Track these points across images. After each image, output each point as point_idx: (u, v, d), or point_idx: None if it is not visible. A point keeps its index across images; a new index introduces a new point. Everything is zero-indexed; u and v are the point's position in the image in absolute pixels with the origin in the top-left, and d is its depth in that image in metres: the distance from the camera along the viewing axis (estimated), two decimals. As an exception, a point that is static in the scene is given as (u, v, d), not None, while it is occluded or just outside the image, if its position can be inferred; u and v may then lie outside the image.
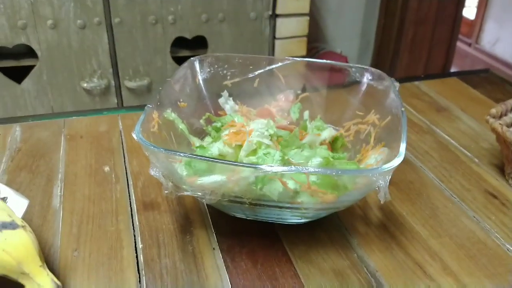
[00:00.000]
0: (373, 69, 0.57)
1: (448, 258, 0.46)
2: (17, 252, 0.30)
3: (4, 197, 0.38)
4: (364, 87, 0.57)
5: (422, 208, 0.53)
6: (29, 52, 1.43)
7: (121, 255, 0.46)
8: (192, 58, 0.60)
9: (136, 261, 0.45)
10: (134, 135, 0.42)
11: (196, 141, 0.53)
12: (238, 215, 0.49)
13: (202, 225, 0.50)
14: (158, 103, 0.51)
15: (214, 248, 0.47)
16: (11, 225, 0.31)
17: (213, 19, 1.55)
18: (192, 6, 1.50)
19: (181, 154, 0.42)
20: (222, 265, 0.45)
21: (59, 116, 0.70)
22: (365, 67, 0.57)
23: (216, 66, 0.61)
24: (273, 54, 1.68)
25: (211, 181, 0.43)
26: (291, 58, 0.60)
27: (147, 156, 0.43)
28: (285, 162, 0.45)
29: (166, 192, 0.43)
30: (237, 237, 0.48)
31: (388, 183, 0.40)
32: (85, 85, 1.49)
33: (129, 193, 0.54)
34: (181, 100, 0.56)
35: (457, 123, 0.70)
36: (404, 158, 0.41)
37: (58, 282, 0.31)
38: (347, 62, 2.03)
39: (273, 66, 0.60)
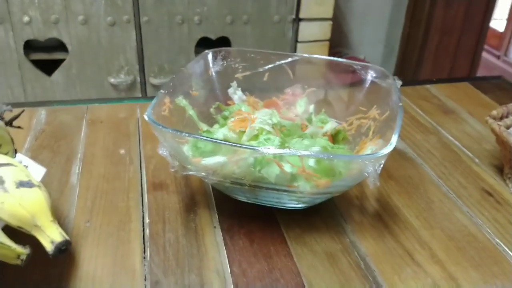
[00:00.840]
0: (377, 67, 0.59)
1: (437, 248, 0.48)
2: (31, 207, 0.33)
3: (25, 165, 0.42)
4: (368, 84, 0.59)
5: (418, 201, 0.55)
6: (60, 46, 1.50)
7: (129, 228, 0.49)
8: (206, 51, 0.64)
9: (142, 234, 0.49)
10: (145, 116, 0.46)
11: (204, 127, 0.57)
12: (240, 198, 0.52)
13: (206, 205, 0.53)
14: (171, 90, 0.54)
15: (215, 227, 0.50)
16: (28, 184, 0.35)
17: (237, 21, 1.59)
18: (218, 8, 1.55)
19: (187, 134, 0.46)
20: (221, 242, 0.48)
21: (82, 102, 0.74)
22: (369, 64, 0.60)
23: (229, 59, 0.64)
24: (295, 57, 1.71)
25: (213, 162, 0.46)
26: (300, 54, 0.63)
27: (157, 137, 0.47)
28: (284, 148, 0.48)
29: (172, 170, 0.46)
30: (237, 218, 0.51)
31: (379, 170, 0.43)
32: (112, 80, 1.55)
33: (141, 174, 0.58)
34: (193, 89, 0.59)
35: (462, 125, 0.71)
36: (403, 153, 0.43)
37: (67, 237, 0.34)
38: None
39: (283, 61, 0.63)
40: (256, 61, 0.64)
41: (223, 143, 0.46)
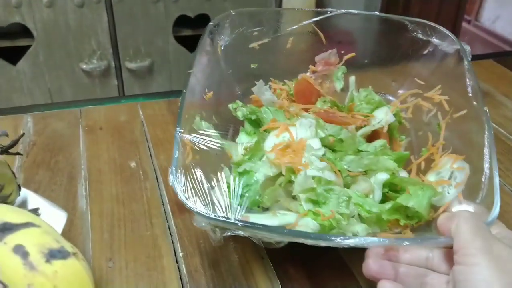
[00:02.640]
0: (440, 28, 0.49)
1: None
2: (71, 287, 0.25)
3: (36, 208, 0.33)
4: (426, 49, 0.49)
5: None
6: (24, 32, 1.36)
7: (161, 265, 0.41)
8: (210, 23, 0.50)
9: (178, 271, 0.41)
10: (176, 191, 0.36)
11: (233, 150, 0.45)
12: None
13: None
14: (186, 116, 0.42)
15: (263, 258, 0.42)
16: (60, 253, 0.26)
17: (217, -4, 1.48)
18: (196, -17, 1.43)
19: (238, 223, 0.35)
20: (274, 277, 0.41)
21: (74, 105, 0.64)
22: (428, 23, 0.49)
23: (239, 25, 0.51)
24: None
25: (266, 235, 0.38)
26: (333, 9, 0.52)
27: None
28: (350, 201, 0.40)
29: (214, 243, 0.37)
30: (288, 247, 0.44)
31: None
32: (84, 66, 1.43)
33: (160, 192, 0.50)
34: (206, 90, 0.47)
35: (501, 109, 0.66)
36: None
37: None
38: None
39: (311, 20, 0.51)
40: (274, 23, 0.52)
41: (288, 235, 0.36)
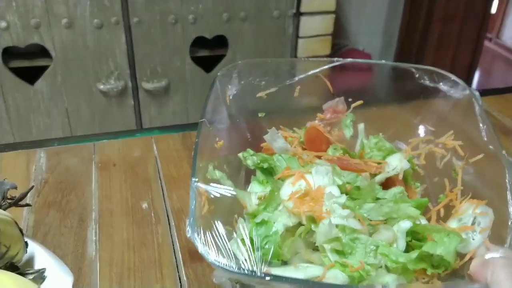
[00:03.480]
0: (444, 72, 0.48)
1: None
2: None
3: (41, 269, 0.32)
4: (434, 95, 0.48)
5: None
6: (42, 52, 1.37)
7: (171, 321, 0.39)
8: (219, 74, 0.50)
9: (189, 329, 0.39)
10: (200, 251, 0.34)
11: (246, 200, 0.43)
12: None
13: (260, 280, 0.43)
14: (200, 165, 0.41)
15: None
16: None
17: (235, 18, 1.48)
18: (213, 5, 1.44)
19: (262, 276, 0.33)
20: (289, 336, 0.38)
21: (88, 139, 0.63)
22: (437, 70, 0.48)
23: (247, 76, 0.51)
24: (295, 54, 1.61)
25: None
26: (340, 59, 0.51)
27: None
28: (377, 250, 0.38)
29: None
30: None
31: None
32: (101, 86, 1.43)
33: (171, 237, 0.48)
34: (217, 139, 0.46)
35: (530, 149, 0.63)
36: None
37: None
38: (370, 59, 1.95)
39: (317, 70, 0.51)
40: (281, 73, 0.52)
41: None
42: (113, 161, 0.59)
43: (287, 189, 0.43)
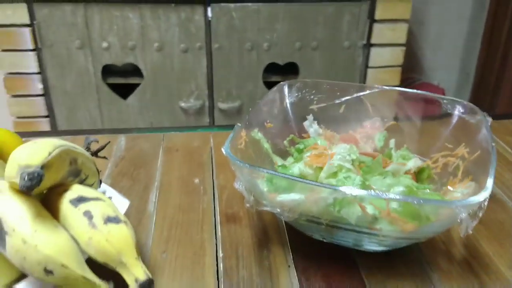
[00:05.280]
0: (465, 102, 0.56)
1: (536, 305, 0.43)
2: (118, 244, 0.34)
3: (109, 197, 0.43)
4: (455, 120, 0.56)
5: (511, 250, 0.50)
6: (135, 71, 1.57)
7: (203, 262, 0.49)
8: (281, 83, 0.63)
9: (216, 268, 0.48)
10: (223, 150, 0.46)
11: (278, 161, 0.56)
12: (315, 237, 0.51)
13: (279, 242, 0.52)
14: (247, 123, 0.54)
15: (289, 266, 0.48)
16: (115, 220, 0.35)
17: (306, 47, 1.59)
18: (287, 34, 1.56)
19: (264, 170, 0.45)
20: (296, 283, 0.46)
21: (159, 130, 0.76)
22: (457, 99, 0.56)
23: (304, 91, 0.63)
24: (364, 83, 1.68)
25: (290, 199, 0.45)
26: (380, 86, 0.61)
27: (233, 171, 0.47)
28: (365, 187, 0.46)
29: (247, 205, 0.45)
30: (313, 259, 0.49)
31: (474, 219, 0.39)
32: (182, 104, 1.59)
33: (214, 205, 0.58)
34: (268, 121, 0.58)
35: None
36: (492, 195, 0.40)
37: (150, 275, 0.34)
38: (443, 94, 1.96)
39: (361, 93, 0.61)
40: (332, 93, 0.63)
41: (302, 181, 0.45)
42: (176, 148, 0.71)
43: (309, 153, 0.52)
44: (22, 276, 0.34)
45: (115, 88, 1.58)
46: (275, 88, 0.62)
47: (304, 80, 0.64)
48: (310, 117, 0.60)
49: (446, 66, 2.13)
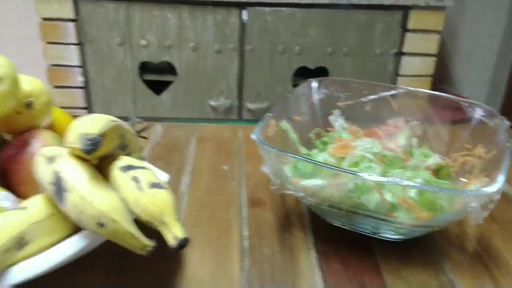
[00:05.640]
0: (484, 106, 0.58)
1: (543, 298, 0.46)
2: (161, 205, 0.38)
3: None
4: (475, 122, 0.58)
5: (524, 247, 0.52)
6: (170, 69, 1.63)
7: (229, 238, 0.53)
8: (310, 80, 0.66)
9: (240, 245, 0.52)
10: (253, 136, 0.50)
11: (303, 150, 0.59)
12: (335, 223, 0.54)
13: (301, 226, 0.55)
14: (277, 114, 0.58)
15: (309, 248, 0.52)
16: (159, 186, 0.40)
17: (338, 52, 1.62)
18: (319, 39, 1.59)
19: (290, 155, 0.48)
20: (315, 264, 0.49)
21: (193, 121, 0.80)
22: (477, 103, 0.59)
23: (332, 88, 0.66)
24: (393, 92, 1.69)
25: (313, 184, 0.48)
26: (405, 87, 0.64)
27: (260, 160, 0.50)
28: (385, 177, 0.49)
29: (273, 187, 0.49)
30: (332, 243, 0.52)
31: (485, 210, 0.42)
32: (212, 103, 1.65)
33: (241, 190, 0.62)
34: (296, 114, 0.62)
35: None
36: (506, 195, 0.42)
37: (187, 234, 0.38)
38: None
39: (388, 93, 0.64)
40: (359, 91, 0.66)
41: (325, 166, 0.48)
42: (207, 137, 0.75)
43: (334, 145, 0.56)
44: (75, 232, 0.39)
45: (149, 84, 1.65)
46: (304, 84, 0.66)
47: (333, 78, 0.68)
48: (336, 111, 0.64)
49: (476, 80, 2.12)
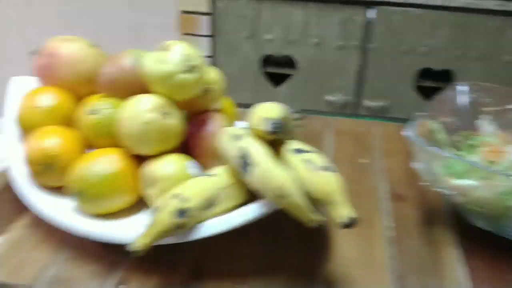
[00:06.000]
0: None
1: None
2: (334, 186, 0.44)
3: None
4: None
5: None
6: (290, 63, 1.68)
7: (374, 227, 0.56)
8: (456, 83, 0.67)
9: (384, 235, 0.55)
10: (405, 133, 0.52)
11: (453, 152, 0.60)
12: (478, 224, 0.55)
13: (444, 223, 0.57)
14: (426, 114, 0.59)
15: (453, 244, 0.53)
16: (330, 169, 0.45)
17: (466, 56, 1.56)
18: (447, 41, 1.54)
19: (445, 154, 0.50)
20: (459, 260, 0.51)
21: (329, 115, 0.85)
22: None
23: (478, 93, 0.66)
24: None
25: (465, 184, 0.50)
26: None
27: (402, 153, 0.53)
28: None
29: (423, 184, 0.52)
30: (477, 243, 0.54)
31: None
32: (329, 97, 1.67)
33: (381, 183, 0.65)
34: (442, 116, 0.63)
35: None
36: None
37: (355, 215, 0.43)
38: None
39: None
40: (506, 99, 0.65)
41: (480, 167, 0.49)
42: (343, 131, 0.79)
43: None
44: (248, 200, 0.46)
45: (269, 76, 1.72)
46: (450, 87, 0.66)
47: (479, 83, 0.68)
48: (486, 116, 0.63)
49: None
